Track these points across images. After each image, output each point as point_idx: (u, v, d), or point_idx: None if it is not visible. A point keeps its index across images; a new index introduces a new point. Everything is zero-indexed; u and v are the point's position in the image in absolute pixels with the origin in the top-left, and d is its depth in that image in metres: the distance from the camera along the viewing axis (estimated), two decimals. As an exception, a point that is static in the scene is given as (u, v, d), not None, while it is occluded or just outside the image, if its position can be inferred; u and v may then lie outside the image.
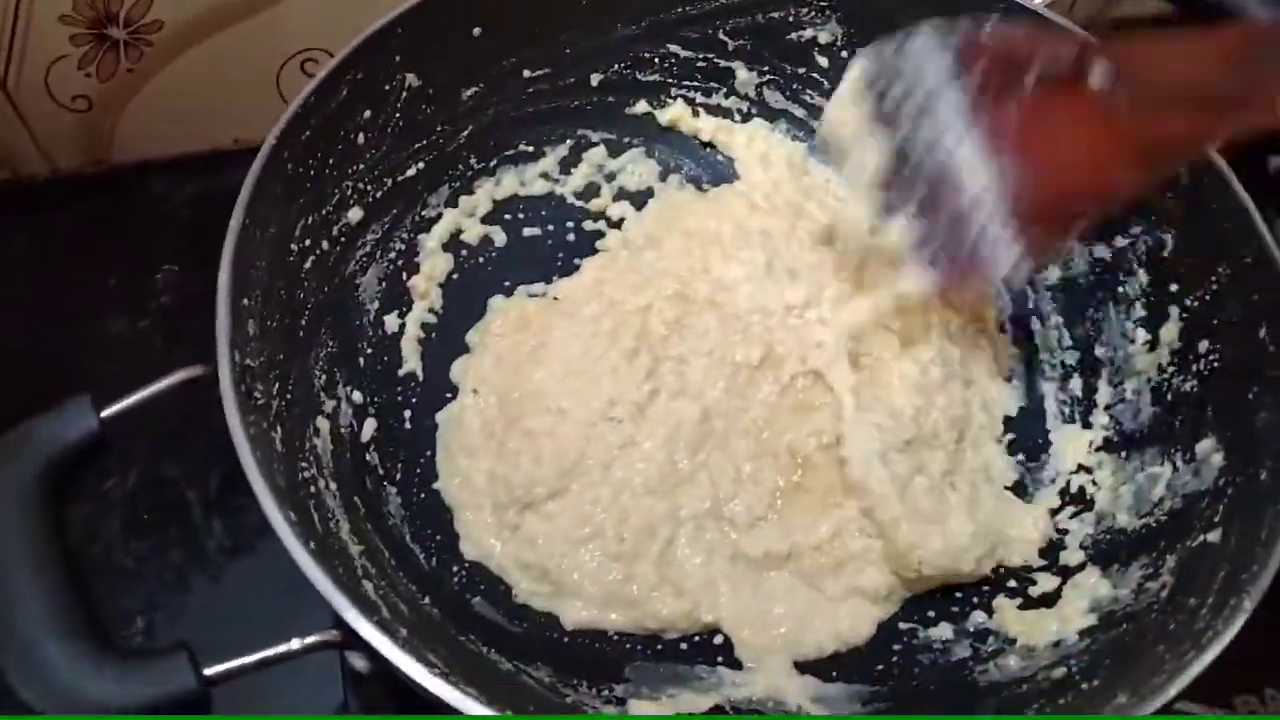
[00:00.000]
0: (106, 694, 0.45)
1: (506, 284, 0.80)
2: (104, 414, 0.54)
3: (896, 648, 0.66)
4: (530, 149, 0.84)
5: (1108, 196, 0.64)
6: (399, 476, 0.70)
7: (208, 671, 0.48)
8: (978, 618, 0.66)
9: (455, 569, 0.67)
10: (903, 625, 0.66)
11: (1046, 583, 0.66)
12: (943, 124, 0.61)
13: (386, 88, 0.74)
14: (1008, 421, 0.75)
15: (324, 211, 0.71)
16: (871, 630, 0.65)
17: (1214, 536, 0.59)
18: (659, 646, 0.65)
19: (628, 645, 0.65)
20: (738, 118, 0.88)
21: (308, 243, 0.69)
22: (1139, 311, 0.73)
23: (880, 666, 0.64)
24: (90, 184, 0.92)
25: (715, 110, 0.88)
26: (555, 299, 0.78)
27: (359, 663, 0.50)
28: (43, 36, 0.81)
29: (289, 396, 0.63)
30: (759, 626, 0.65)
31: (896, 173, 0.65)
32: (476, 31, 0.78)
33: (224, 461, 0.74)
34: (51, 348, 0.83)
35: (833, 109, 0.69)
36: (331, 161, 0.71)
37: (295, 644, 0.49)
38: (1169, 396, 0.69)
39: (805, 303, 0.76)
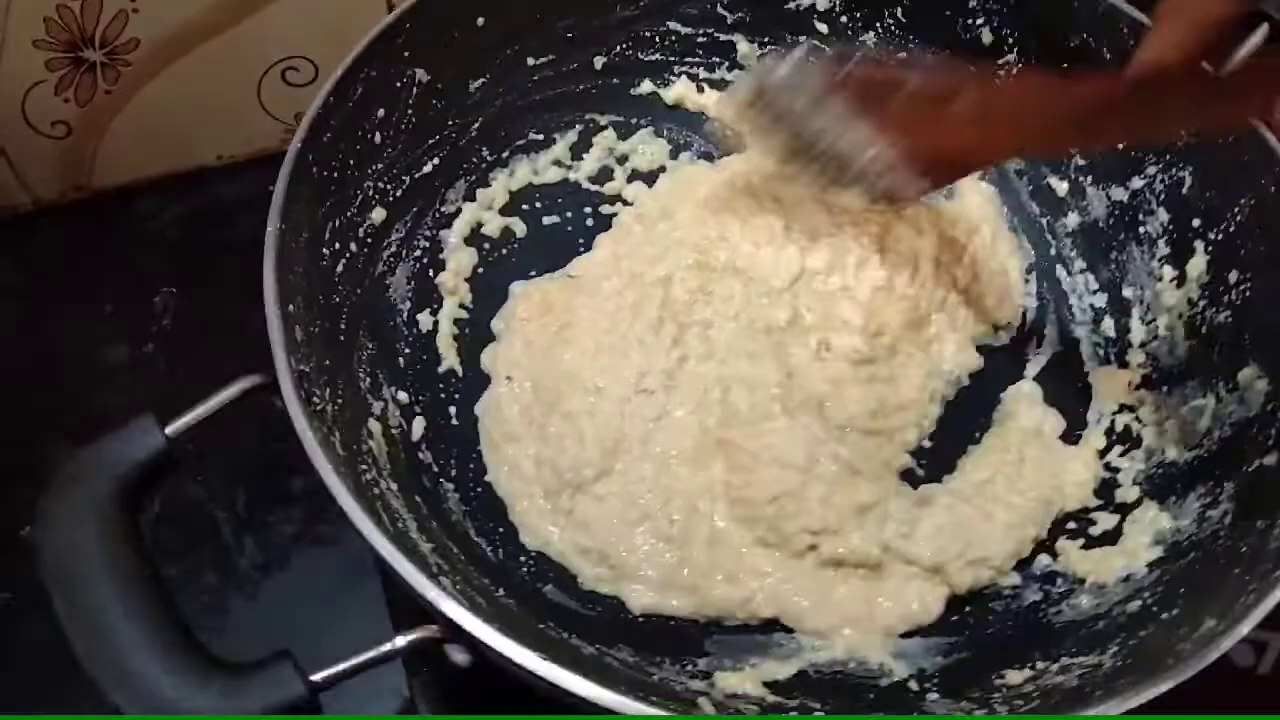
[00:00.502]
0: (216, 708, 0.45)
1: (532, 274, 0.79)
2: (169, 430, 0.53)
3: (966, 598, 0.66)
4: (540, 137, 0.84)
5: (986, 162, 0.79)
6: (454, 472, 0.70)
7: (314, 677, 0.47)
8: (1043, 561, 0.67)
9: (523, 559, 0.67)
10: (968, 576, 0.67)
11: (1106, 521, 0.67)
12: (828, 119, 0.68)
13: (398, 84, 0.74)
14: (1046, 369, 0.76)
15: (349, 213, 0.70)
16: (942, 607, 0.65)
17: (1270, 460, 0.60)
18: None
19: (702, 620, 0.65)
20: (742, 90, 0.88)
21: (337, 245, 0.68)
22: (1163, 249, 0.74)
23: (954, 618, 0.65)
24: (74, 211, 0.90)
25: (719, 84, 0.88)
26: (574, 277, 0.78)
27: (459, 656, 0.49)
28: (17, 62, 0.79)
29: (340, 400, 0.62)
30: (820, 614, 0.64)
31: (799, 152, 0.71)
32: (480, 21, 0.77)
33: (249, 478, 0.76)
34: (54, 378, 0.81)
35: (724, 108, 0.79)
36: (352, 162, 0.70)
37: (400, 641, 0.48)
38: (1203, 329, 0.70)
39: (829, 268, 0.77)
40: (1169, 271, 0.74)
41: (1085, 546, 0.66)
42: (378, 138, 0.72)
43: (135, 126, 0.87)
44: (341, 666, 0.47)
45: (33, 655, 0.55)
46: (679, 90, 0.87)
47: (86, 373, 0.81)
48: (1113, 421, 0.73)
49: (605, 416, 0.70)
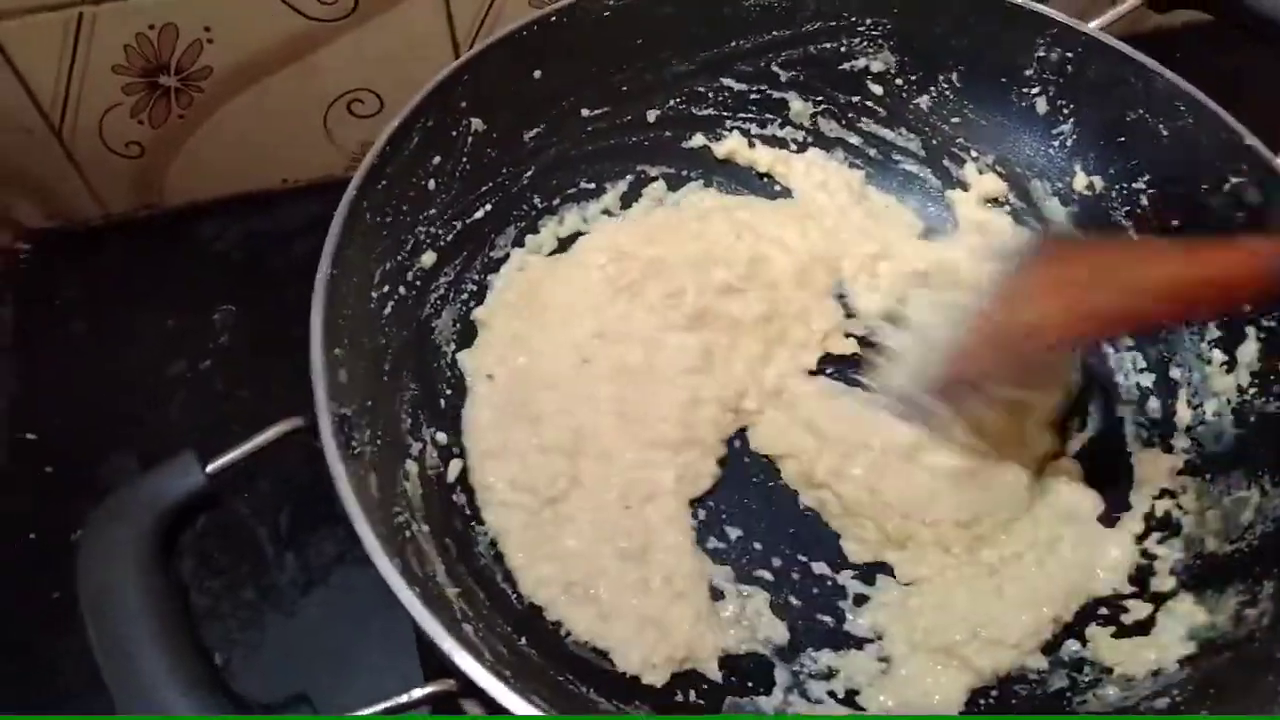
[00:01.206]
0: (235, 750, 0.46)
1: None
2: (209, 469, 0.54)
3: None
4: (592, 186, 0.85)
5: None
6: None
7: (330, 726, 0.48)
8: (1071, 646, 0.65)
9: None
10: (994, 656, 0.66)
11: (1139, 610, 0.66)
12: None
13: (454, 133, 0.75)
14: (1088, 447, 0.75)
15: (400, 257, 0.72)
16: (964, 699, 0.63)
17: (1313, 560, 0.59)
18: (750, 682, 0.65)
19: (722, 680, 0.65)
20: (794, 147, 0.89)
21: (386, 289, 0.70)
22: (1213, 332, 0.73)
23: (980, 702, 0.64)
24: (141, 228, 0.94)
25: (771, 141, 0.89)
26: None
27: (474, 710, 0.50)
28: (96, 86, 0.83)
29: (380, 442, 0.63)
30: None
31: None
32: (537, 74, 0.79)
33: (292, 497, 0.77)
34: (115, 392, 0.84)
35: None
36: (405, 208, 0.72)
37: (417, 693, 0.49)
38: (1251, 418, 0.69)
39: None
40: (1219, 356, 0.72)
41: (1116, 635, 0.65)
42: (432, 184, 0.74)
43: (205, 149, 0.90)
44: (359, 715, 0.48)
45: (74, 652, 0.56)
46: (730, 145, 0.88)
47: (145, 387, 0.84)
48: (1153, 506, 0.71)
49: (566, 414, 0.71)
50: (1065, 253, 0.67)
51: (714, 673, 0.64)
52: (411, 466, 0.67)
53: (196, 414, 0.83)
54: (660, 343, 0.75)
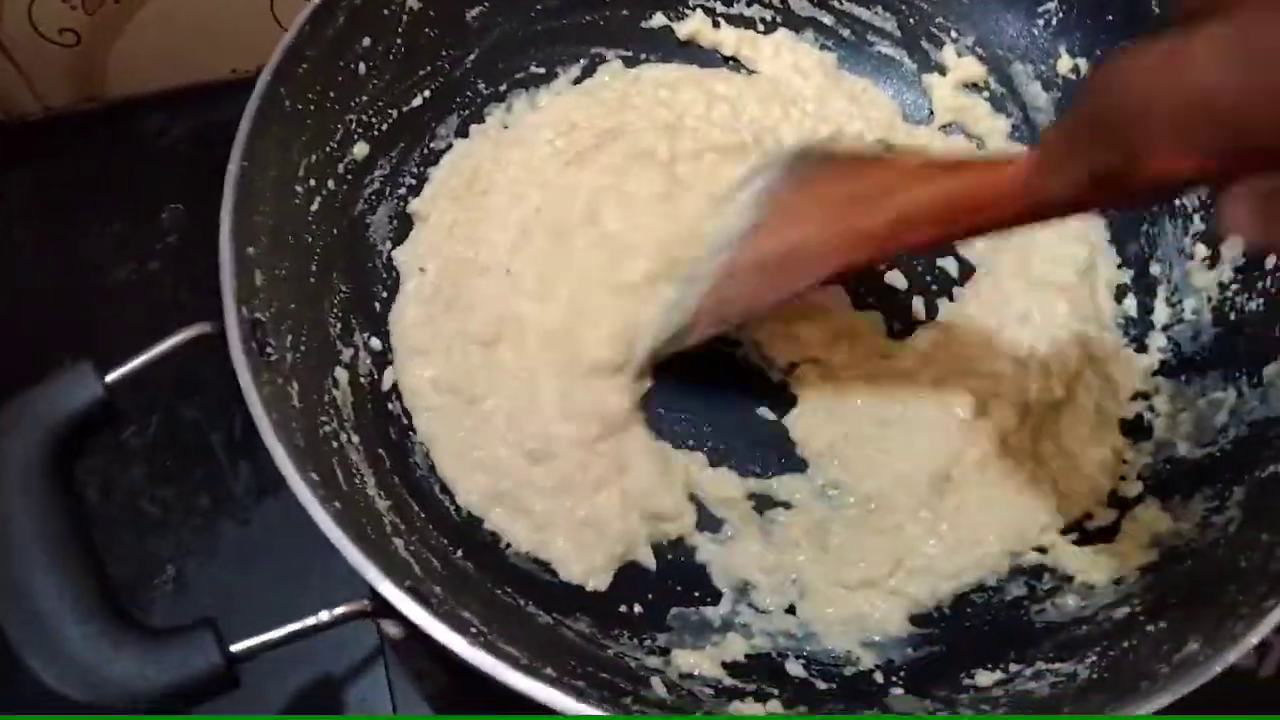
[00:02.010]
0: (129, 674, 0.44)
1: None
2: (109, 379, 0.51)
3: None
4: (542, 70, 0.80)
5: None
6: (423, 424, 0.67)
7: (234, 648, 0.46)
8: (1031, 555, 0.63)
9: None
10: (951, 563, 0.64)
11: (1103, 516, 0.64)
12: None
13: (386, 12, 0.70)
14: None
15: (328, 149, 0.67)
16: (904, 625, 0.61)
17: (1286, 466, 0.56)
18: (696, 592, 0.63)
19: (666, 588, 0.63)
20: (761, 27, 0.83)
21: (313, 183, 0.65)
22: (1197, 225, 0.69)
23: (933, 611, 0.62)
24: (85, 122, 0.89)
25: (737, 20, 0.83)
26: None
27: (393, 630, 0.48)
28: None
29: (303, 348, 0.60)
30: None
31: None
32: (480, -55, 0.73)
33: (245, 403, 0.75)
34: (60, 295, 0.81)
35: None
36: (332, 95, 0.67)
37: (325, 615, 0.47)
38: (1232, 316, 0.66)
39: None
40: (1202, 250, 0.69)
41: (1078, 542, 0.63)
42: (362, 68, 0.69)
43: (147, 38, 0.85)
44: (261, 639, 0.46)
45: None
46: (694, 24, 0.82)
47: (92, 291, 0.81)
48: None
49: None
50: (829, 167, 0.60)
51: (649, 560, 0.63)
52: (341, 374, 0.63)
53: (144, 317, 0.80)
54: (612, 191, 0.71)
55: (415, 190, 0.74)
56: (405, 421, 0.66)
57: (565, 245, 0.70)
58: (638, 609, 0.62)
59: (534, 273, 0.69)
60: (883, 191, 0.56)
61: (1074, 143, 0.42)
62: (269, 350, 0.55)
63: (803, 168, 0.61)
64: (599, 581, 0.62)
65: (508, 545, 0.63)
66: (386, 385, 0.67)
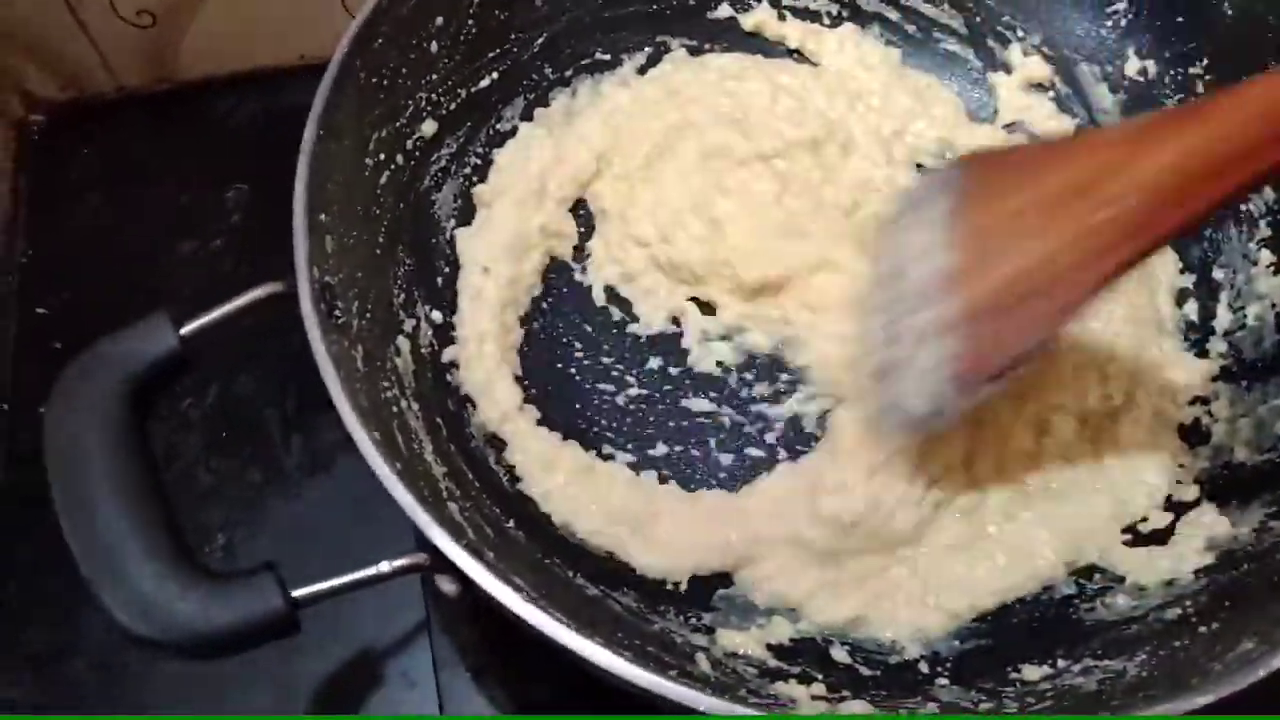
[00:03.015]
0: (194, 614, 0.45)
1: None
2: (183, 331, 0.53)
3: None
4: (607, 57, 0.80)
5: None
6: (481, 397, 0.68)
7: (296, 594, 0.47)
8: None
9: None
10: (1001, 558, 0.63)
11: (1158, 519, 0.63)
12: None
13: (458, -8, 0.71)
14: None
15: (398, 124, 0.68)
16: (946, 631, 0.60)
17: (1348, 474, 0.55)
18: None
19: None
20: (827, 21, 0.83)
21: (382, 157, 0.67)
22: (1263, 230, 0.68)
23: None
24: (156, 101, 0.91)
25: (803, 13, 0.83)
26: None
27: (447, 586, 0.49)
28: None
29: (369, 315, 0.61)
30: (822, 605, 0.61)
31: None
32: (551, -68, 0.74)
33: (301, 379, 0.74)
34: (126, 268, 0.82)
35: None
36: (404, 72, 0.68)
37: (385, 567, 0.47)
38: (1296, 323, 0.65)
39: None
40: (1266, 256, 0.68)
41: (1131, 544, 0.62)
42: (434, 47, 0.70)
43: (220, 21, 0.87)
44: (323, 585, 0.47)
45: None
46: (759, 16, 0.83)
47: (157, 265, 0.83)
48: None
49: None
50: (1010, 174, 0.51)
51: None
52: (403, 343, 0.64)
53: (206, 293, 0.79)
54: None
55: (480, 170, 0.75)
56: (462, 394, 0.67)
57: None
58: (684, 587, 0.62)
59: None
60: (1107, 172, 0.47)
61: None
62: (337, 313, 0.56)
63: (976, 182, 0.53)
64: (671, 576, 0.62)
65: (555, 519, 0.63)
66: (447, 358, 0.68)
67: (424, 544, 0.48)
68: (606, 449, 0.67)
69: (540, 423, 0.67)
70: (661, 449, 0.67)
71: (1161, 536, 0.62)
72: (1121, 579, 0.60)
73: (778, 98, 0.78)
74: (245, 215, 0.85)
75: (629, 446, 0.67)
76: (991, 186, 0.52)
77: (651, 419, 0.68)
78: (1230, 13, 0.68)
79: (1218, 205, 0.49)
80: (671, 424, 0.68)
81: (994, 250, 0.51)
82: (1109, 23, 0.76)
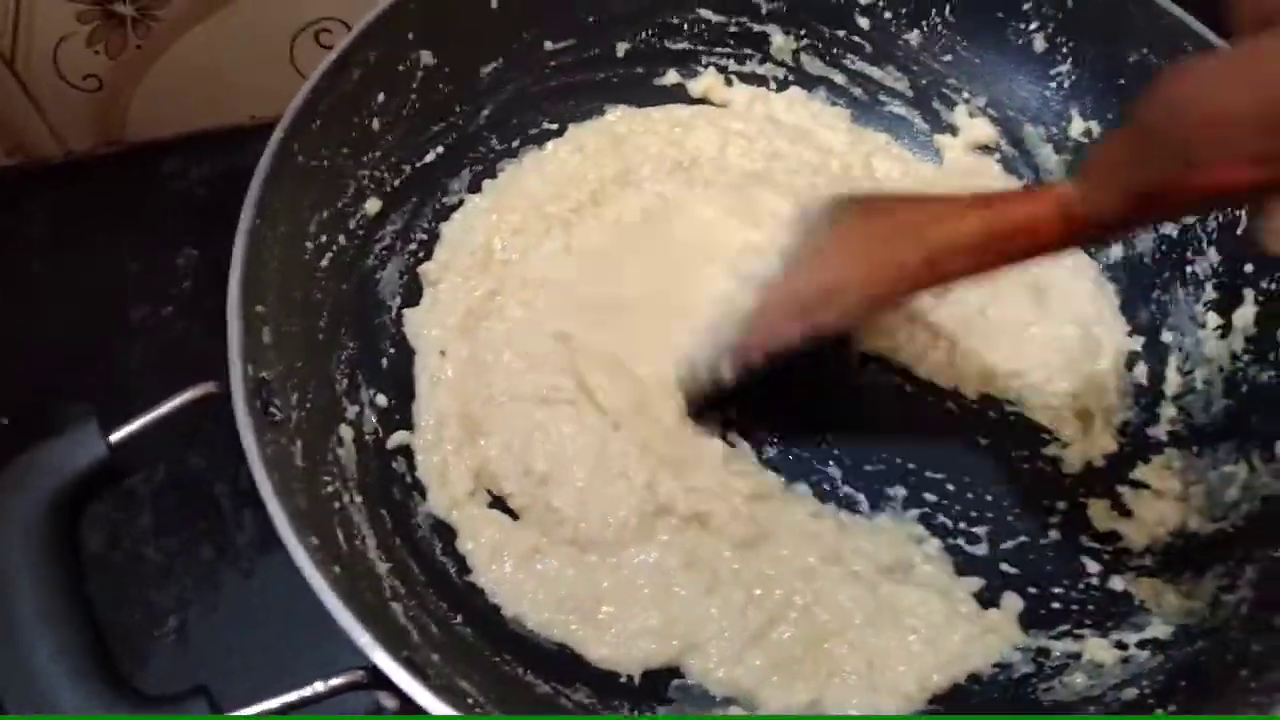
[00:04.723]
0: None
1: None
2: (113, 438, 0.51)
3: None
4: (555, 127, 0.80)
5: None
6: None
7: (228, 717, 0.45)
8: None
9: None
10: (958, 635, 0.63)
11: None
12: None
13: (400, 68, 0.71)
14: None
15: (339, 204, 0.67)
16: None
17: (1300, 547, 0.55)
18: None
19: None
20: (773, 85, 0.84)
21: (324, 239, 0.66)
22: (1210, 293, 0.69)
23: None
24: (105, 165, 0.90)
25: (750, 78, 0.84)
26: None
27: (389, 703, 0.47)
28: (48, 14, 0.78)
29: (309, 406, 0.60)
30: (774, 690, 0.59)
31: None
32: (493, 3, 0.74)
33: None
34: (74, 332, 0.81)
35: None
36: (345, 151, 0.67)
37: (320, 686, 0.46)
38: (1244, 388, 0.65)
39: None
40: (1214, 319, 0.68)
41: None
42: (376, 124, 0.69)
43: (167, 83, 0.86)
44: (257, 709, 0.45)
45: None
46: (706, 82, 0.83)
47: (106, 333, 0.81)
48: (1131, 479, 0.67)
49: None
50: (864, 210, 0.62)
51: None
52: (346, 432, 0.63)
53: (157, 361, 0.80)
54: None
55: (426, 246, 0.74)
56: (408, 482, 0.66)
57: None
58: (638, 679, 0.60)
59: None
60: (921, 226, 0.56)
61: (1126, 155, 0.42)
62: (274, 410, 0.55)
63: (841, 214, 0.62)
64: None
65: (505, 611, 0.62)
66: (392, 444, 0.66)
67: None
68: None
69: (492, 505, 0.66)
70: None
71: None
72: (1078, 655, 0.60)
73: (729, 141, 0.78)
74: (195, 280, 0.84)
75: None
76: (850, 220, 0.62)
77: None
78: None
79: (981, 270, 0.56)
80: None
81: (819, 265, 0.62)
82: (1052, 84, 0.77)
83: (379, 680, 0.46)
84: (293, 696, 0.45)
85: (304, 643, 0.65)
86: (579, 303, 0.71)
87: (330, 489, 0.58)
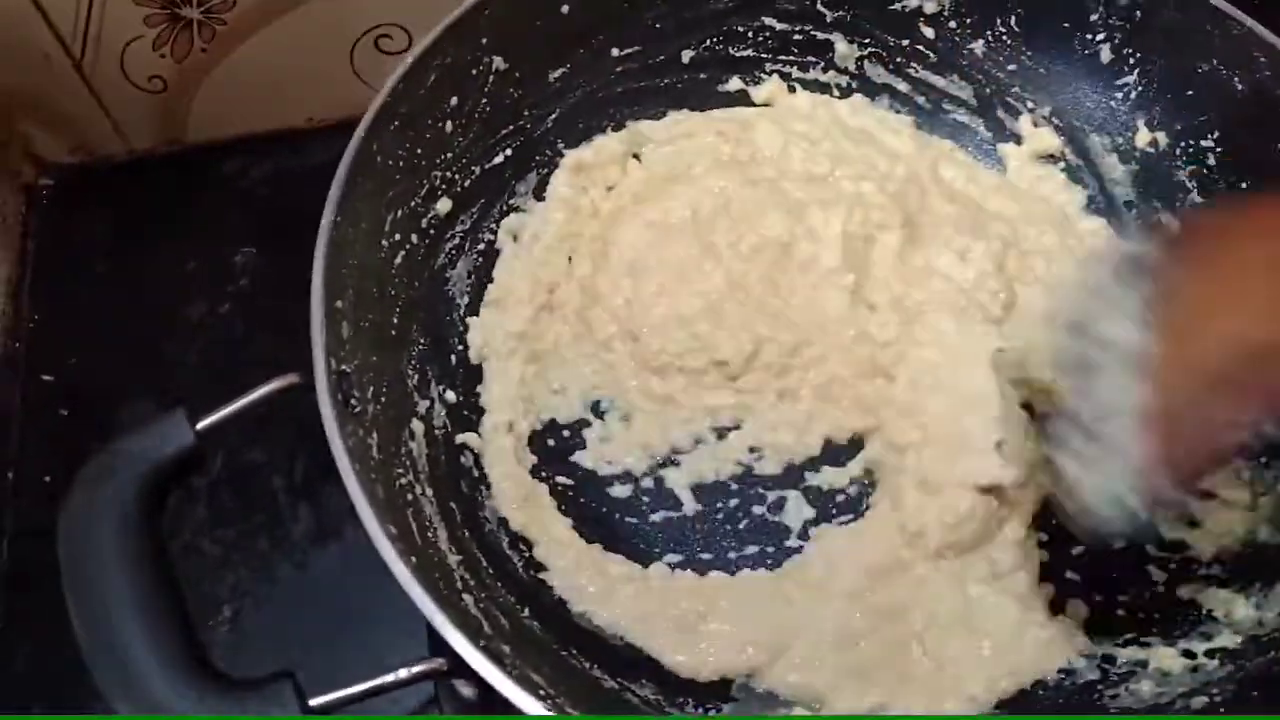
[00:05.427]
0: (210, 721, 0.44)
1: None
2: (199, 426, 0.52)
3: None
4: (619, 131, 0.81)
5: None
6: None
7: (313, 702, 0.46)
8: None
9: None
10: (1022, 642, 0.62)
11: (1179, 599, 0.62)
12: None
13: (473, 72, 0.71)
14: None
15: (413, 204, 0.69)
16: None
17: (1375, 558, 0.55)
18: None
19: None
20: (837, 93, 0.84)
21: (397, 237, 0.67)
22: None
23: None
24: (166, 164, 0.92)
25: (813, 85, 0.84)
26: None
27: (466, 691, 0.48)
28: (117, 18, 0.80)
29: (384, 399, 0.61)
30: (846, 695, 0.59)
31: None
32: (564, 9, 0.75)
33: (308, 447, 0.76)
34: (134, 333, 0.82)
35: None
36: (420, 152, 0.68)
37: (403, 673, 0.47)
38: (1318, 399, 0.64)
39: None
40: None
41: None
42: (449, 126, 0.70)
43: (229, 85, 0.88)
44: (340, 694, 0.46)
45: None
46: (769, 89, 0.83)
47: (164, 330, 0.82)
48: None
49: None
50: (1232, 226, 0.47)
51: None
52: (418, 426, 0.64)
53: (214, 358, 0.81)
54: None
55: (493, 246, 0.75)
56: (476, 475, 0.67)
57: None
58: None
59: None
60: None
61: None
62: (353, 402, 0.56)
63: (1191, 243, 0.49)
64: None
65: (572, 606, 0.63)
66: (460, 439, 0.68)
67: (440, 645, 0.47)
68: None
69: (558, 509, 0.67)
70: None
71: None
72: (1145, 663, 0.60)
73: (792, 142, 0.79)
74: (253, 279, 0.85)
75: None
76: (1216, 246, 0.47)
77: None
78: (1241, 87, 0.69)
79: None
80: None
81: (1205, 321, 0.46)
82: (1119, 94, 0.77)
83: (457, 669, 0.47)
84: (375, 682, 0.46)
85: (362, 635, 0.67)
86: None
87: (404, 481, 0.59)
